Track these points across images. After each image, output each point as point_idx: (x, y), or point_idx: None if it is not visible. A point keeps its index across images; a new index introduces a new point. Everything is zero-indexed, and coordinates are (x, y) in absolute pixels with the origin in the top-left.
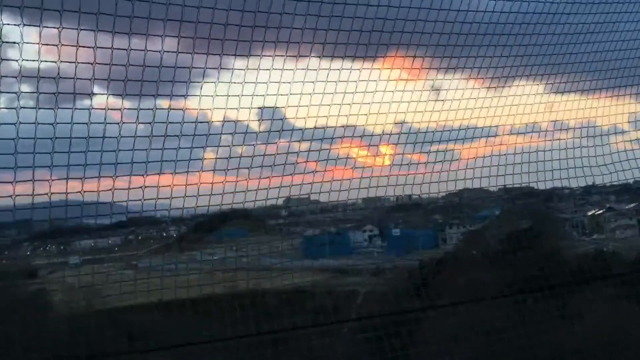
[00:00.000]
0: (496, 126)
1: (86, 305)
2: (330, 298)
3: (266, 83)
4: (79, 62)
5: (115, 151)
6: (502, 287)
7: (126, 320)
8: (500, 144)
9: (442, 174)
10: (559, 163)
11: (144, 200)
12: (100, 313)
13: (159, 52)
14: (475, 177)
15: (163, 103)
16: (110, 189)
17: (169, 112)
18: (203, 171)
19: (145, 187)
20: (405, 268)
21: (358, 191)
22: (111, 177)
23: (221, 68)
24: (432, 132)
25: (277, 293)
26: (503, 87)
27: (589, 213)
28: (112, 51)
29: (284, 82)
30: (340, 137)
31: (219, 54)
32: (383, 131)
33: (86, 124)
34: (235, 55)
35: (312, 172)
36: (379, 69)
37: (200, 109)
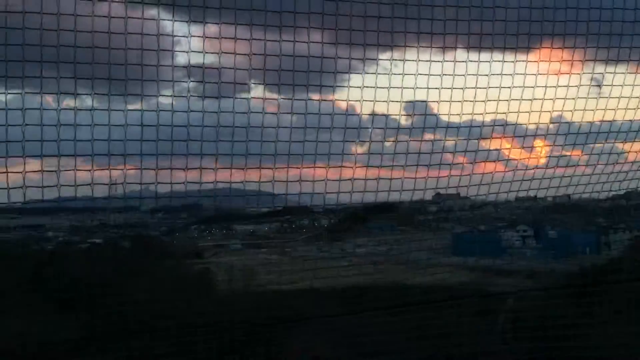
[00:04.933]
0: None
1: (245, 285)
2: (478, 298)
3: (414, 75)
4: (234, 53)
5: (274, 142)
6: None
7: (279, 301)
8: None
9: (604, 174)
10: None
11: (301, 191)
12: (257, 294)
13: (318, 43)
14: None
15: (313, 96)
16: (270, 180)
17: (319, 104)
18: (352, 164)
19: (302, 179)
20: (562, 273)
21: (510, 189)
22: (270, 167)
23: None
24: (594, 127)
25: (422, 288)
26: None
27: None
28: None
29: (431, 75)
30: (491, 132)
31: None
32: (538, 126)
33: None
34: (380, 46)
35: (462, 167)
36: (532, 61)
37: (349, 102)
